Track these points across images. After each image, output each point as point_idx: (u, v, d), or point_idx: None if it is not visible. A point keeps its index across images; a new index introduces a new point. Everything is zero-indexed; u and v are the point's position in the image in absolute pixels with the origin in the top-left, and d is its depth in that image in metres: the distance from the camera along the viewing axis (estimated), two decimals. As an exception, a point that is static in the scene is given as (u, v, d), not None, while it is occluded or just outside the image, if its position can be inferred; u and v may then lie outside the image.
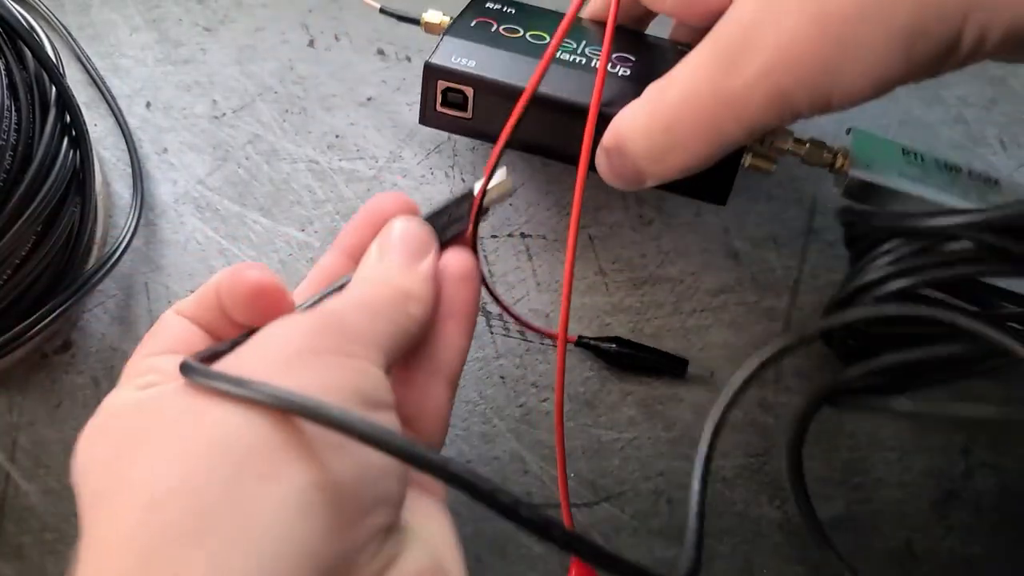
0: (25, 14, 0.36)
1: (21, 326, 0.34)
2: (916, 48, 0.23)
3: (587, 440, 0.37)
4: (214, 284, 0.26)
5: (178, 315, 0.26)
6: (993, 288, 0.34)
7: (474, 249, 0.30)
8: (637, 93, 0.30)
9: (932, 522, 0.36)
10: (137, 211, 0.39)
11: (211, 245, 0.39)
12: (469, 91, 0.33)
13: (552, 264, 0.39)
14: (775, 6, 0.24)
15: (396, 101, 0.41)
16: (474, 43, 0.34)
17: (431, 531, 0.23)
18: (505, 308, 0.35)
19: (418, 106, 0.35)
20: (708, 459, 0.30)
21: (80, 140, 0.35)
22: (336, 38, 0.42)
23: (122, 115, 0.41)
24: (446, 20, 0.37)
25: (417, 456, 0.19)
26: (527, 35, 0.35)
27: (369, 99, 0.41)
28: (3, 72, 0.31)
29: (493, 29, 0.35)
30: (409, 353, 0.27)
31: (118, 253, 0.37)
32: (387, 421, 0.23)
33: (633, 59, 0.34)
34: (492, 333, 0.38)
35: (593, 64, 0.33)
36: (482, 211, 0.30)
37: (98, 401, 0.37)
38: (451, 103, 0.34)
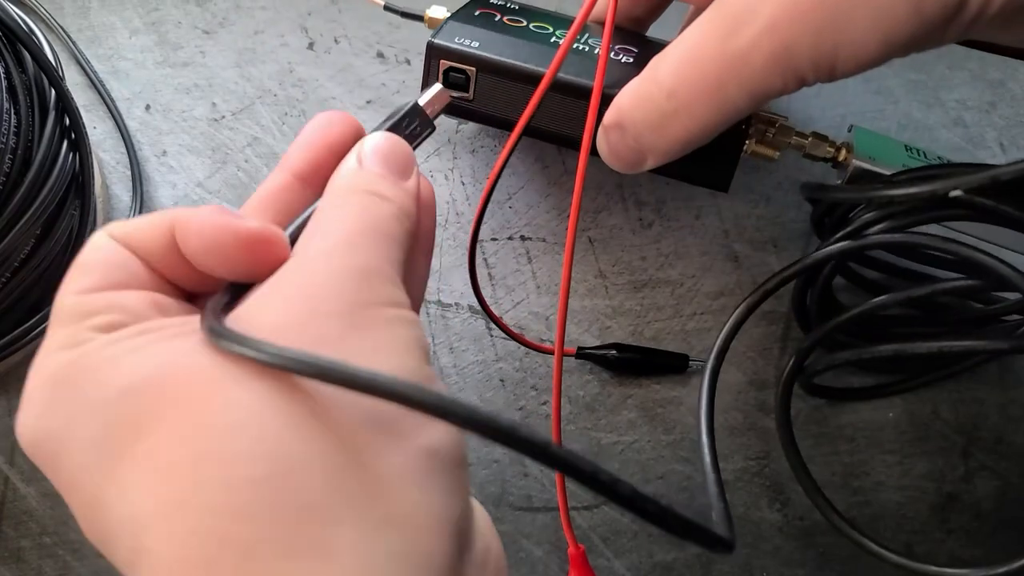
0: (24, 17, 0.36)
1: (20, 329, 0.34)
2: (925, 2, 0.22)
3: (587, 443, 0.37)
4: (167, 223, 0.21)
5: (113, 240, 0.21)
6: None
7: None
8: None
9: (932, 525, 0.36)
10: (136, 214, 0.39)
11: (210, 248, 0.39)
12: (472, 71, 0.33)
13: (552, 267, 0.39)
14: None
15: (396, 103, 0.41)
16: (478, 27, 0.33)
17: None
18: (501, 325, 0.34)
19: (423, 79, 0.34)
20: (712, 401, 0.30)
21: (79, 143, 0.35)
22: (336, 41, 0.42)
23: (121, 118, 0.41)
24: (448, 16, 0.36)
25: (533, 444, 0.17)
26: (530, 25, 0.34)
27: (369, 102, 0.41)
28: (2, 75, 0.31)
29: (497, 19, 0.34)
30: None
31: (117, 256, 0.37)
32: (435, 374, 0.22)
33: (636, 51, 0.34)
34: (492, 336, 0.38)
35: (596, 52, 0.33)
36: (428, 126, 0.28)
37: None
38: (453, 83, 0.33)
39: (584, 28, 0.35)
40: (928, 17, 0.23)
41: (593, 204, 0.40)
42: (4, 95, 0.31)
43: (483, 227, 0.39)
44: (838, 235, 0.32)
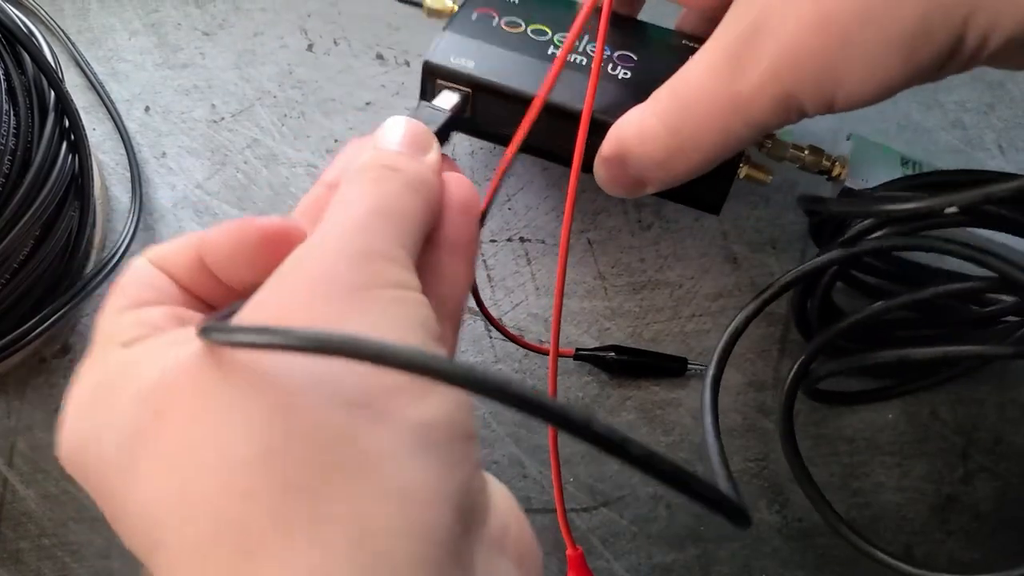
0: (24, 18, 0.36)
1: (20, 330, 0.34)
2: (918, 53, 0.23)
3: (586, 444, 0.37)
4: (194, 242, 0.23)
5: (148, 262, 0.23)
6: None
7: None
8: (636, 97, 0.30)
9: (932, 526, 0.36)
10: (136, 215, 0.39)
11: (210, 249, 0.39)
12: (468, 91, 0.33)
13: (551, 268, 0.39)
14: (776, 10, 0.24)
15: (395, 105, 0.41)
16: (474, 40, 0.33)
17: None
18: (498, 327, 0.34)
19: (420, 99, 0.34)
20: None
21: (79, 144, 0.35)
22: (335, 42, 0.42)
23: (121, 119, 0.41)
24: (448, 4, 0.36)
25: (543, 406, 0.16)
26: (528, 30, 0.34)
27: (368, 103, 0.41)
28: (2, 77, 0.31)
29: (495, 23, 0.34)
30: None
31: (117, 257, 0.37)
32: (444, 352, 0.21)
33: (635, 58, 0.34)
34: (491, 338, 0.38)
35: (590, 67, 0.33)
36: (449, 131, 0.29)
37: (96, 405, 0.37)
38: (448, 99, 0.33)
39: (583, 29, 0.35)
40: (921, 65, 0.23)
41: (592, 206, 0.40)
42: (4, 96, 0.31)
43: (481, 229, 0.39)
44: (837, 241, 0.32)
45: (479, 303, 0.33)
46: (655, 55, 0.34)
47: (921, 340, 0.36)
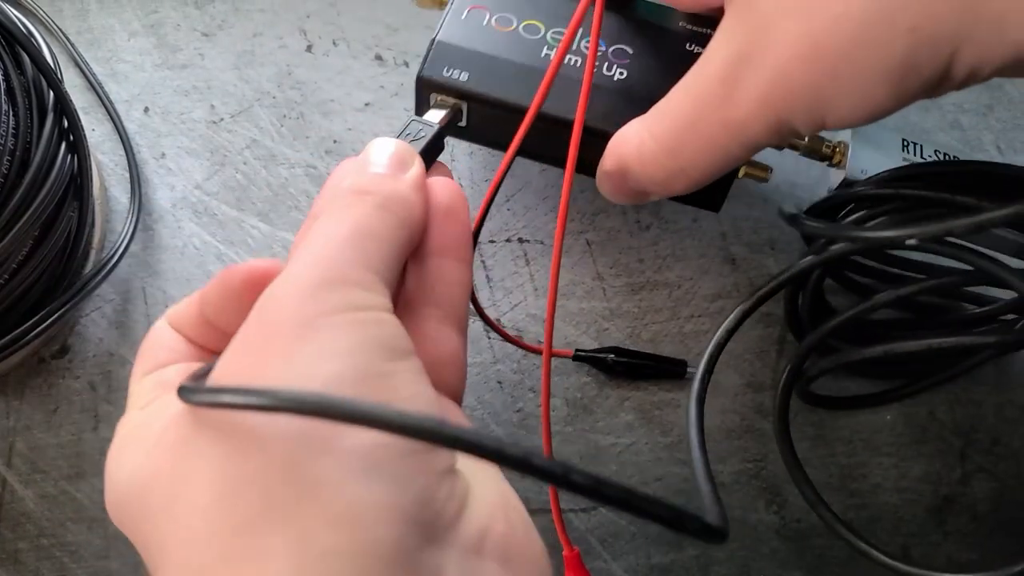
0: (23, 19, 0.36)
1: (18, 330, 0.34)
2: (906, 83, 0.23)
3: (585, 445, 0.37)
4: (197, 297, 0.25)
5: (166, 323, 0.26)
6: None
7: None
8: (633, 100, 0.30)
9: (929, 527, 0.36)
10: (135, 216, 0.39)
11: (209, 250, 0.39)
12: (463, 104, 0.33)
13: (549, 269, 0.39)
14: (766, 38, 0.24)
15: (394, 106, 0.41)
16: (466, 47, 0.33)
17: (485, 471, 0.23)
18: (495, 327, 0.34)
19: (415, 111, 0.35)
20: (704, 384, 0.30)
21: (78, 145, 0.35)
22: (334, 43, 0.43)
23: (120, 120, 0.41)
24: None
25: (466, 442, 0.17)
26: (520, 27, 0.34)
27: (367, 104, 0.41)
28: (1, 77, 0.31)
29: (486, 21, 0.34)
30: (412, 302, 0.26)
31: (116, 258, 0.37)
32: (412, 368, 0.22)
33: (630, 52, 0.33)
34: (489, 338, 0.38)
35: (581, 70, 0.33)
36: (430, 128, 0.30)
37: (95, 406, 0.37)
38: (442, 108, 0.33)
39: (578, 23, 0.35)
40: (910, 94, 0.24)
41: (591, 207, 0.40)
42: (3, 97, 0.31)
43: (481, 229, 0.39)
44: (816, 245, 0.33)
45: (476, 304, 0.33)
46: (652, 47, 0.34)
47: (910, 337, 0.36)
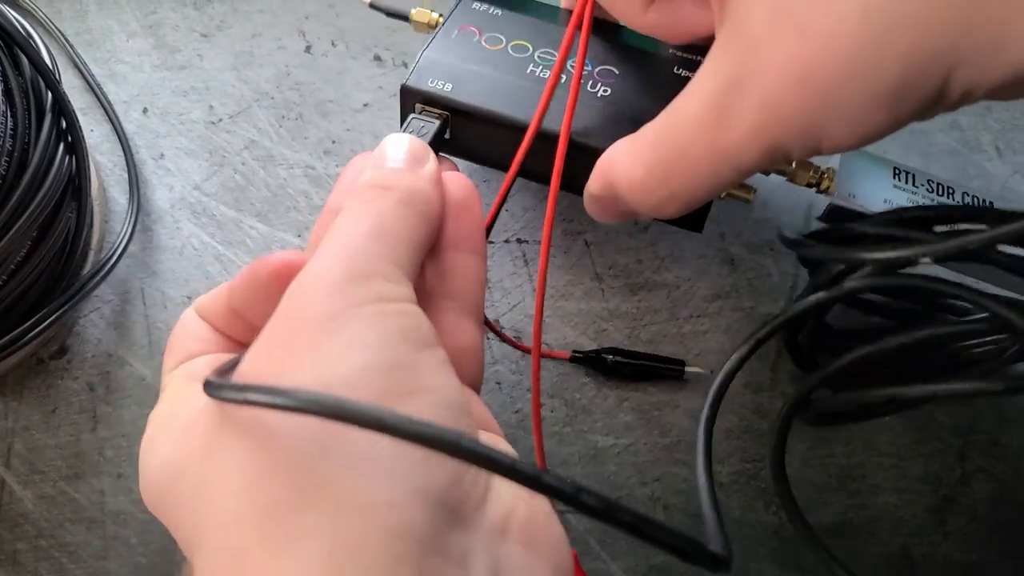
0: (22, 20, 0.36)
1: (17, 331, 0.34)
2: (902, 106, 0.23)
3: (583, 446, 0.37)
4: (225, 288, 0.25)
5: (194, 312, 0.26)
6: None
7: None
8: (617, 117, 0.31)
9: (929, 528, 0.36)
10: (133, 216, 0.39)
11: (207, 251, 0.39)
12: (446, 115, 0.33)
13: (549, 270, 0.39)
14: (757, 62, 0.24)
15: (392, 107, 0.41)
16: (453, 61, 0.33)
17: None
18: (494, 329, 0.34)
19: (400, 120, 0.35)
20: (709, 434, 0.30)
21: (76, 145, 0.35)
22: (333, 44, 0.43)
23: (119, 121, 0.41)
24: (435, 17, 0.37)
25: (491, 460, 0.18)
26: (509, 47, 0.34)
27: (365, 105, 0.41)
28: (-1, 78, 0.31)
29: (475, 40, 0.34)
30: (431, 295, 0.26)
31: (114, 258, 0.37)
32: (437, 357, 0.22)
33: (616, 72, 0.34)
34: (488, 339, 0.38)
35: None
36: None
37: (93, 407, 0.37)
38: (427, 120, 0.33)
39: (562, 28, 0.35)
40: (905, 116, 0.23)
41: (590, 207, 0.40)
42: (1, 98, 0.31)
43: (493, 226, 0.39)
44: (821, 282, 0.32)
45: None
46: (638, 69, 0.34)
47: (915, 373, 0.35)
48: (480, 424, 0.25)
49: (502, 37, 0.34)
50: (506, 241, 0.39)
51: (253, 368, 0.21)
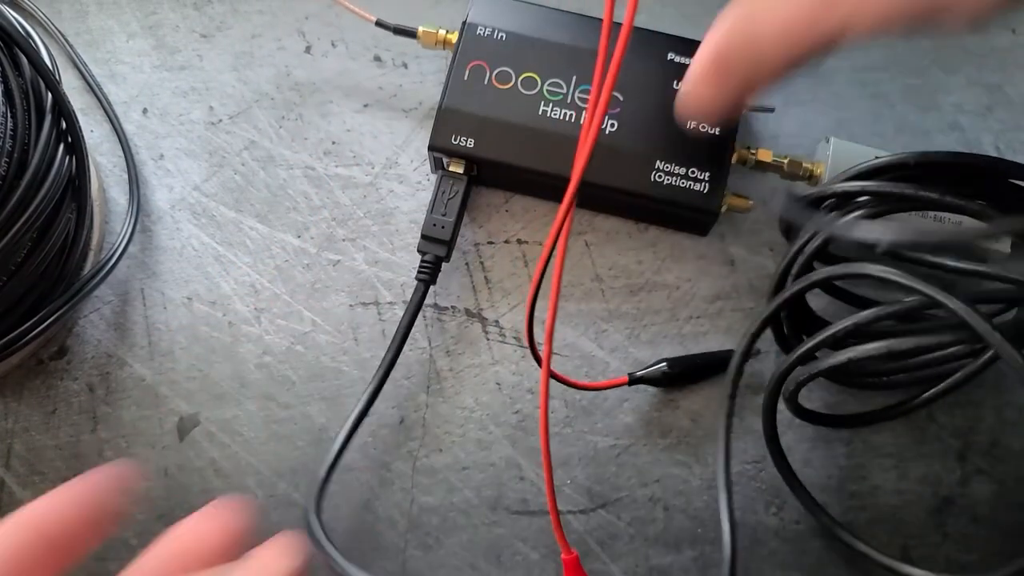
0: (21, 20, 0.36)
1: (16, 332, 0.34)
2: None
3: (583, 447, 0.37)
4: None
5: None
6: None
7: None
8: (622, 150, 0.35)
9: (929, 529, 0.36)
10: (133, 217, 0.39)
11: (207, 251, 0.39)
12: (472, 166, 0.37)
13: (549, 270, 0.39)
14: None
15: (392, 107, 0.41)
16: (470, 112, 0.36)
17: None
18: (558, 376, 0.35)
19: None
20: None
21: (76, 146, 0.35)
22: (333, 44, 0.43)
23: (118, 121, 0.41)
24: (442, 33, 0.38)
25: None
26: (519, 82, 0.37)
27: (365, 106, 0.41)
28: (-1, 78, 0.31)
29: (486, 79, 0.37)
30: None
31: (114, 259, 0.37)
32: None
33: (621, 99, 0.36)
34: (488, 340, 0.38)
35: (581, 119, 0.36)
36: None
37: (93, 407, 0.37)
38: (457, 166, 0.37)
39: (571, 52, 0.37)
40: None
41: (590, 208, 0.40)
42: (1, 98, 0.31)
43: (479, 231, 0.39)
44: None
45: (533, 350, 0.34)
46: (644, 91, 0.37)
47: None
48: None
49: (511, 72, 0.37)
50: (506, 242, 0.39)
51: None
